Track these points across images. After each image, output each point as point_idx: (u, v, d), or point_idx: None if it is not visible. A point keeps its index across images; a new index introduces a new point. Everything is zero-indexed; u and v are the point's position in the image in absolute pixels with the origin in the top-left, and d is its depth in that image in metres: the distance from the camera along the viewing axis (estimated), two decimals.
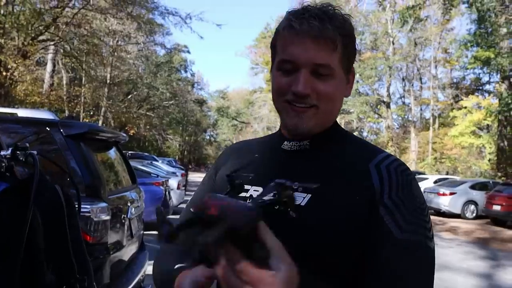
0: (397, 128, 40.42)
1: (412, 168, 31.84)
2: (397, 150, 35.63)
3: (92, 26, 20.47)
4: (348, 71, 1.01)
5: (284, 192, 0.66)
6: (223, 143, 62.17)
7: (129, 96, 34.40)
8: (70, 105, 25.56)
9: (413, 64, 36.73)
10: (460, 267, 8.29)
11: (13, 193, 1.15)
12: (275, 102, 1.01)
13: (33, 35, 16.81)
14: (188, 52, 46.11)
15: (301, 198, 0.93)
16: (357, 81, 36.17)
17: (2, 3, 16.52)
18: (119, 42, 28.29)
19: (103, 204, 3.22)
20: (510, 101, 23.76)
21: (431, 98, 36.68)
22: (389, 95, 36.94)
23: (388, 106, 36.44)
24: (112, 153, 4.48)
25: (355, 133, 37.57)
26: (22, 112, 3.93)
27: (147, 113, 36.01)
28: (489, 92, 32.73)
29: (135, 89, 34.44)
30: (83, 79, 27.35)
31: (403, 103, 40.43)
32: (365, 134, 41.86)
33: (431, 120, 36.91)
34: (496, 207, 14.56)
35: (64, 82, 27.48)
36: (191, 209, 0.59)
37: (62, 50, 21.31)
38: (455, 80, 37.72)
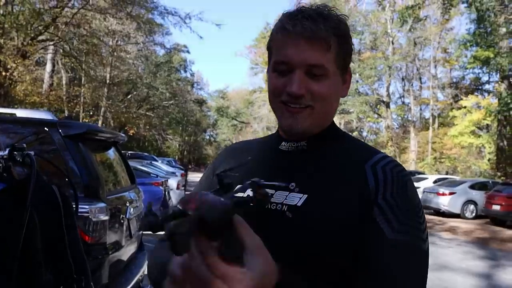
0: (396, 128, 40.45)
1: (412, 168, 31.87)
2: (396, 150, 35.64)
3: (91, 26, 20.47)
4: (344, 71, 1.01)
5: (258, 191, 0.68)
6: (223, 143, 62.15)
7: (129, 96, 34.40)
8: (69, 105, 25.57)
9: (412, 64, 36.77)
10: (459, 267, 8.29)
11: (10, 193, 1.16)
12: (271, 103, 1.01)
13: (32, 35, 16.81)
14: (188, 52, 46.24)
15: (298, 199, 0.94)
16: (357, 81, 36.21)
17: (2, 3, 16.52)
18: (119, 42, 28.30)
19: (102, 204, 3.22)
20: (509, 101, 23.77)
21: (431, 97, 36.71)
22: (388, 95, 36.95)
23: (387, 106, 36.45)
24: (111, 153, 4.48)
25: (355, 133, 37.77)
26: (20, 113, 3.93)
27: (147, 113, 36.00)
28: (489, 92, 32.77)
29: (135, 89, 34.43)
30: (83, 79, 27.35)
31: (403, 103, 40.51)
32: (364, 134, 41.92)
33: (430, 120, 36.94)
34: (496, 207, 14.56)
35: (64, 82, 27.49)
36: (178, 205, 0.60)
37: (61, 50, 21.29)
38: (454, 80, 37.76)
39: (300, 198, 0.93)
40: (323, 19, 0.93)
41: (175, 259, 0.66)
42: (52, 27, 17.74)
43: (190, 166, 50.07)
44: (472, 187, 17.06)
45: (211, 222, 0.57)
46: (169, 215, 0.59)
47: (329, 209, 0.90)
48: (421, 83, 38.66)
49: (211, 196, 0.60)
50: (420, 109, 39.86)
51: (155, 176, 11.46)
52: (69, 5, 18.32)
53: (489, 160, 28.89)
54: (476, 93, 33.46)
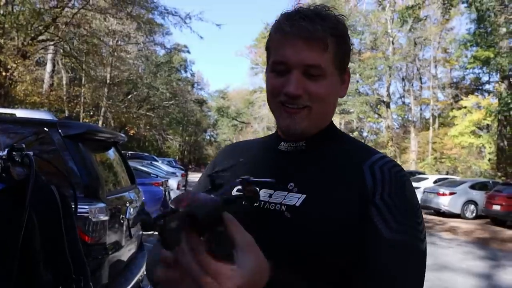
0: (397, 128, 40.48)
1: (412, 168, 31.87)
2: (397, 150, 35.64)
3: (91, 26, 20.47)
4: (342, 71, 1.01)
5: (247, 188, 0.70)
6: (223, 143, 62.03)
7: (129, 96, 34.41)
8: (70, 105, 25.58)
9: (413, 64, 36.78)
10: (459, 267, 8.29)
11: (9, 193, 1.16)
12: (269, 103, 1.01)
13: (32, 35, 16.82)
14: (188, 52, 46.16)
15: (296, 199, 0.94)
16: (357, 81, 36.20)
17: (2, 3, 16.53)
18: (119, 42, 28.31)
19: (102, 205, 3.22)
20: (509, 101, 23.76)
21: (431, 98, 36.73)
22: (389, 95, 36.96)
23: (388, 106, 36.46)
24: (111, 153, 4.48)
25: (355, 133, 37.79)
26: (20, 113, 3.92)
27: (147, 113, 36.01)
28: (489, 92, 32.78)
29: (135, 89, 34.45)
30: (83, 79, 27.36)
31: (403, 103, 40.52)
32: (365, 134, 41.91)
33: (431, 120, 36.95)
34: (496, 207, 14.56)
35: (64, 82, 27.50)
36: (171, 205, 0.61)
37: (61, 50, 21.30)
38: (454, 80, 37.80)
39: (299, 198, 0.94)
40: (321, 19, 0.93)
41: (166, 253, 0.67)
42: (52, 27, 17.75)
43: (190, 166, 50.07)
44: (473, 187, 17.05)
45: (201, 218, 0.58)
46: (161, 214, 0.60)
47: (328, 209, 0.90)
48: (421, 83, 38.71)
49: (202, 194, 0.61)
50: (421, 109, 39.92)
51: (155, 176, 11.47)
52: (69, 5, 18.33)
53: (489, 160, 28.88)
54: (476, 93, 33.48)
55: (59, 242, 1.26)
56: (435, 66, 37.41)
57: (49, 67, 24.15)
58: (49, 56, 23.34)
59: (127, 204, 4.01)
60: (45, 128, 3.39)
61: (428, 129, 36.33)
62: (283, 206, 0.94)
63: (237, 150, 1.16)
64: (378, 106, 37.58)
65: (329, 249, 0.88)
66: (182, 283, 0.63)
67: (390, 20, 34.57)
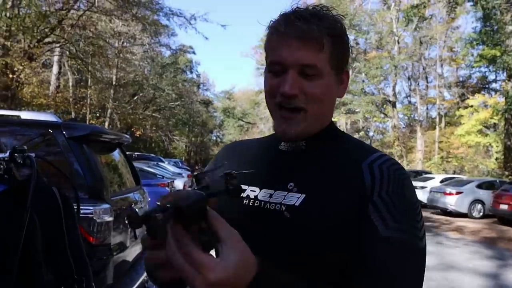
0: (403, 127, 40.30)
1: (419, 167, 31.74)
2: (403, 150, 35.52)
3: (97, 28, 20.61)
4: (340, 71, 1.01)
5: (230, 181, 0.71)
6: None
7: (135, 98, 34.51)
8: (76, 107, 25.72)
9: (418, 63, 36.66)
10: (466, 266, 8.24)
11: (10, 195, 1.17)
12: (268, 104, 1.02)
13: (38, 38, 16.95)
14: (194, 53, 46.29)
15: (296, 198, 0.94)
16: (363, 81, 36.15)
17: (8, 6, 16.64)
18: (125, 43, 28.43)
19: (106, 206, 3.23)
20: None
21: (437, 97, 36.56)
22: (394, 95, 36.85)
23: (394, 105, 36.35)
24: (116, 154, 4.50)
25: (361, 133, 37.65)
26: (25, 115, 3.95)
27: (153, 114, 36.09)
28: (496, 91, 32.60)
29: (141, 91, 34.55)
30: (89, 80, 27.47)
31: (409, 102, 40.37)
32: (371, 133, 41.81)
33: (437, 119, 36.78)
34: (503, 206, 14.45)
35: (70, 84, 27.63)
36: (157, 202, 0.63)
37: (67, 52, 21.40)
38: (461, 79, 37.60)
39: (298, 198, 0.94)
40: (318, 19, 0.93)
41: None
42: (58, 29, 17.89)
43: (197, 167, 50.09)
44: (480, 186, 16.94)
45: (186, 209, 0.60)
46: (148, 211, 0.62)
47: (327, 208, 0.90)
48: (427, 82, 38.54)
49: (186, 190, 0.64)
50: (427, 109, 39.76)
51: (161, 177, 11.51)
52: (75, 7, 18.45)
53: (496, 159, 28.69)
54: (483, 92, 33.28)
55: (60, 243, 1.27)
56: (441, 65, 37.26)
57: (55, 69, 24.27)
58: (55, 58, 23.45)
59: (132, 205, 4.03)
60: (50, 130, 3.41)
61: (434, 128, 36.17)
62: (283, 206, 0.94)
63: (237, 150, 1.16)
64: (384, 106, 37.46)
65: (328, 248, 0.88)
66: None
67: (395, 19, 34.47)
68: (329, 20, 0.95)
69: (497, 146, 28.79)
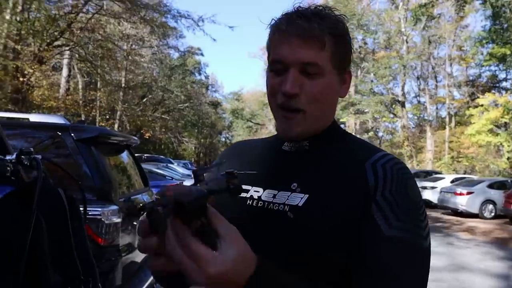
0: (412, 127, 40.07)
1: (429, 167, 31.54)
2: (413, 150, 35.33)
3: (106, 31, 20.75)
4: (342, 71, 1.00)
5: (232, 180, 0.71)
6: None
7: (144, 100, 34.68)
8: (86, 109, 25.91)
9: (427, 63, 36.44)
10: (477, 267, 8.17)
11: (17, 196, 1.18)
12: (270, 103, 1.02)
13: (48, 41, 17.12)
14: (202, 54, 46.36)
15: (299, 199, 0.94)
16: (371, 81, 36.02)
17: (18, 10, 16.83)
18: (133, 46, 28.56)
19: (114, 207, 3.25)
20: None
21: (447, 96, 36.30)
22: (404, 94, 36.67)
23: (403, 105, 36.16)
24: (124, 156, 4.52)
25: (370, 133, 37.48)
26: (33, 117, 3.99)
27: (162, 116, 36.25)
28: (506, 89, 32.30)
29: (150, 93, 34.73)
30: (98, 83, 27.70)
31: (419, 102, 40.13)
32: (380, 134, 41.63)
33: (447, 119, 36.51)
34: None
35: (80, 86, 27.84)
36: (157, 195, 0.64)
37: (77, 55, 21.61)
38: (471, 78, 37.32)
39: (302, 198, 0.94)
40: (319, 18, 0.94)
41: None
42: (68, 32, 18.06)
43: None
44: (491, 186, 16.80)
45: (187, 205, 0.61)
46: (150, 203, 0.64)
47: (330, 209, 0.90)
48: (436, 81, 38.27)
49: (187, 185, 0.65)
50: (436, 108, 39.46)
51: (171, 178, 11.56)
52: (84, 10, 18.61)
53: (508, 158, 28.40)
54: (493, 91, 32.99)
55: (66, 244, 1.28)
56: (451, 64, 36.99)
57: (65, 72, 24.49)
58: (65, 61, 23.66)
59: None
60: (58, 132, 3.44)
61: (444, 128, 35.91)
62: (286, 207, 0.94)
63: (240, 150, 1.16)
64: (393, 106, 37.27)
65: (332, 249, 0.88)
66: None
67: (403, 18, 34.30)
68: (331, 20, 0.95)
69: (508, 146, 28.48)
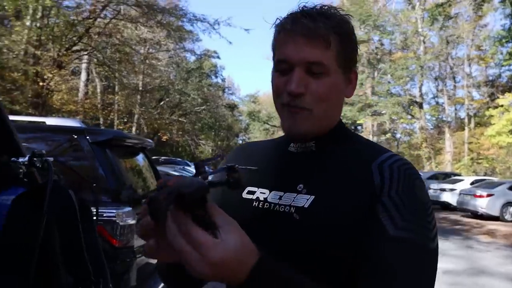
0: (431, 128, 39.55)
1: (448, 169, 31.10)
2: (431, 151, 34.88)
3: (123, 35, 21.01)
4: (348, 70, 1.00)
5: (231, 174, 0.73)
6: None
7: (161, 103, 34.94)
8: (104, 112, 26.26)
9: (445, 63, 35.95)
10: (498, 271, 8.02)
11: (29, 197, 1.20)
12: (275, 103, 1.02)
13: (67, 46, 17.43)
14: (218, 57, 46.41)
15: (305, 200, 0.94)
16: (389, 82, 35.68)
17: (38, 17, 17.16)
18: (150, 50, 28.84)
19: (129, 209, 3.28)
20: None
21: (466, 97, 35.75)
22: (421, 95, 36.23)
23: (421, 106, 35.73)
24: (140, 159, 4.56)
25: (388, 135, 37.06)
26: (50, 121, 4.07)
27: (179, 119, 36.48)
28: None
29: (167, 96, 34.97)
30: (116, 87, 28.04)
31: (437, 103, 39.56)
32: (398, 135, 41.15)
33: (466, 120, 35.94)
34: None
35: (98, 90, 28.21)
36: (156, 185, 0.66)
37: (95, 59, 21.92)
38: (490, 78, 36.68)
39: (307, 199, 0.94)
40: (325, 18, 0.93)
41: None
42: (86, 37, 18.36)
43: None
44: None
45: (188, 196, 0.62)
46: (149, 191, 0.63)
47: (336, 210, 0.90)
48: (455, 82, 37.74)
49: (188, 177, 0.66)
50: (455, 109, 38.89)
51: None
52: (101, 15, 18.86)
53: None
54: None
55: (77, 244, 1.29)
56: (469, 64, 36.42)
57: (83, 76, 24.84)
58: (83, 66, 24.01)
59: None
60: (74, 135, 3.50)
61: (463, 129, 35.37)
62: (292, 208, 0.94)
63: (247, 151, 1.17)
64: (411, 107, 36.82)
65: (337, 250, 0.88)
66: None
67: (420, 19, 33.91)
68: (336, 19, 0.95)
69: None
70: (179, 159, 28.35)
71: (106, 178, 3.29)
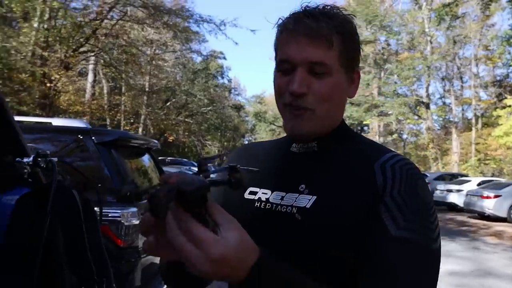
0: (438, 129, 39.33)
1: (455, 170, 30.92)
2: (438, 152, 34.69)
3: (129, 36, 21.09)
4: (350, 70, 1.00)
5: (233, 174, 0.73)
6: None
7: (168, 104, 35.03)
8: (111, 113, 26.36)
9: (452, 63, 35.74)
10: (505, 273, 7.96)
11: (33, 197, 1.21)
12: (277, 103, 1.02)
13: (74, 47, 17.51)
14: (224, 58, 46.44)
15: (307, 201, 0.94)
16: (395, 82, 35.53)
17: (45, 18, 17.27)
18: (156, 50, 28.92)
19: (134, 209, 3.29)
20: None
21: (473, 97, 35.53)
22: (428, 96, 36.04)
23: (427, 107, 35.55)
24: (145, 159, 4.58)
25: (394, 135, 36.89)
26: (56, 121, 4.09)
27: (186, 119, 36.55)
28: None
29: (174, 97, 35.05)
30: (123, 88, 28.15)
31: (444, 103, 39.35)
32: (405, 136, 40.97)
33: (473, 120, 35.72)
34: None
35: (105, 91, 28.34)
36: (158, 180, 0.66)
37: (102, 61, 22.02)
38: (498, 78, 36.41)
39: (309, 200, 0.94)
40: (327, 17, 0.93)
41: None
42: (93, 38, 18.44)
43: None
44: None
45: (189, 193, 0.62)
46: (149, 187, 0.64)
47: (338, 210, 0.90)
48: (462, 82, 37.52)
49: (190, 174, 0.65)
50: (462, 109, 38.65)
51: None
52: (108, 17, 18.95)
53: None
54: None
55: (80, 244, 1.30)
56: (477, 64, 36.20)
57: (90, 77, 24.95)
58: (90, 67, 24.12)
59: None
60: (80, 136, 3.52)
61: (470, 129, 35.15)
62: (294, 208, 0.94)
63: (250, 151, 1.17)
64: (418, 107, 36.65)
65: (339, 250, 0.88)
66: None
67: (427, 19, 33.74)
68: (339, 19, 0.95)
69: None
70: (185, 159, 28.41)
71: (111, 179, 3.31)
